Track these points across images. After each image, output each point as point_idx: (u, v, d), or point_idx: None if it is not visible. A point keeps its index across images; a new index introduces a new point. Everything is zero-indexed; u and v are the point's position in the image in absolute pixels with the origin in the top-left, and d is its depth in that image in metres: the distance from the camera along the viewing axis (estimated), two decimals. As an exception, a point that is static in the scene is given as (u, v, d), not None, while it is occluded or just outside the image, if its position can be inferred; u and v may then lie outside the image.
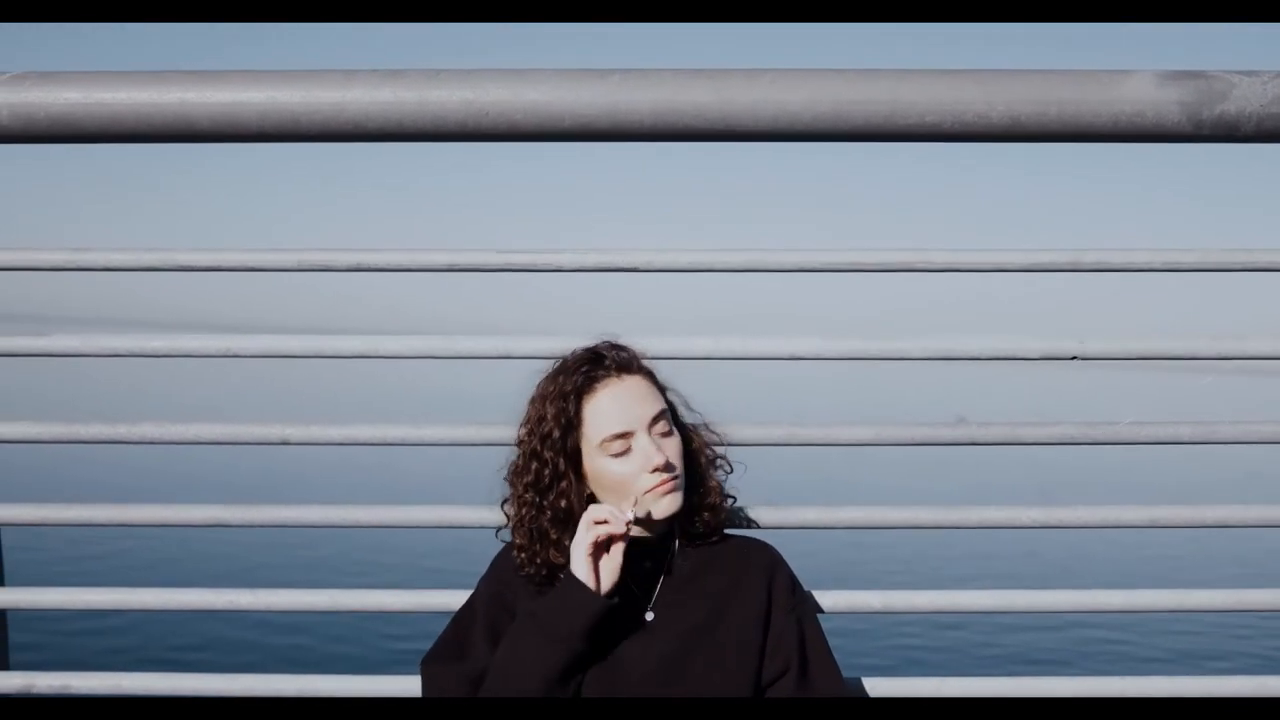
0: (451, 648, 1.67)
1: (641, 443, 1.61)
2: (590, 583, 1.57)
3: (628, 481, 1.61)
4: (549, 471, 1.62)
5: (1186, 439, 1.84)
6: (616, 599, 1.60)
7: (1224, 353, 1.81)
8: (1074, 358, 1.81)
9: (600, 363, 1.64)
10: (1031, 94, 1.04)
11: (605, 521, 1.57)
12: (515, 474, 1.69)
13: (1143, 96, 1.03)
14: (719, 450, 1.76)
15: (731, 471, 1.77)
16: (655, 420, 1.63)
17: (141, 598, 1.94)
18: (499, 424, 1.77)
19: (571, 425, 1.61)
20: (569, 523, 1.63)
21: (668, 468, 1.61)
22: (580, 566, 1.58)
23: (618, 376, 1.63)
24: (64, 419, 1.90)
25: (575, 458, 1.63)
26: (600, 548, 1.59)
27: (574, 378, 1.62)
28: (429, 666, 1.67)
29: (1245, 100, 1.02)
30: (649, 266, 1.82)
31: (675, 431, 1.67)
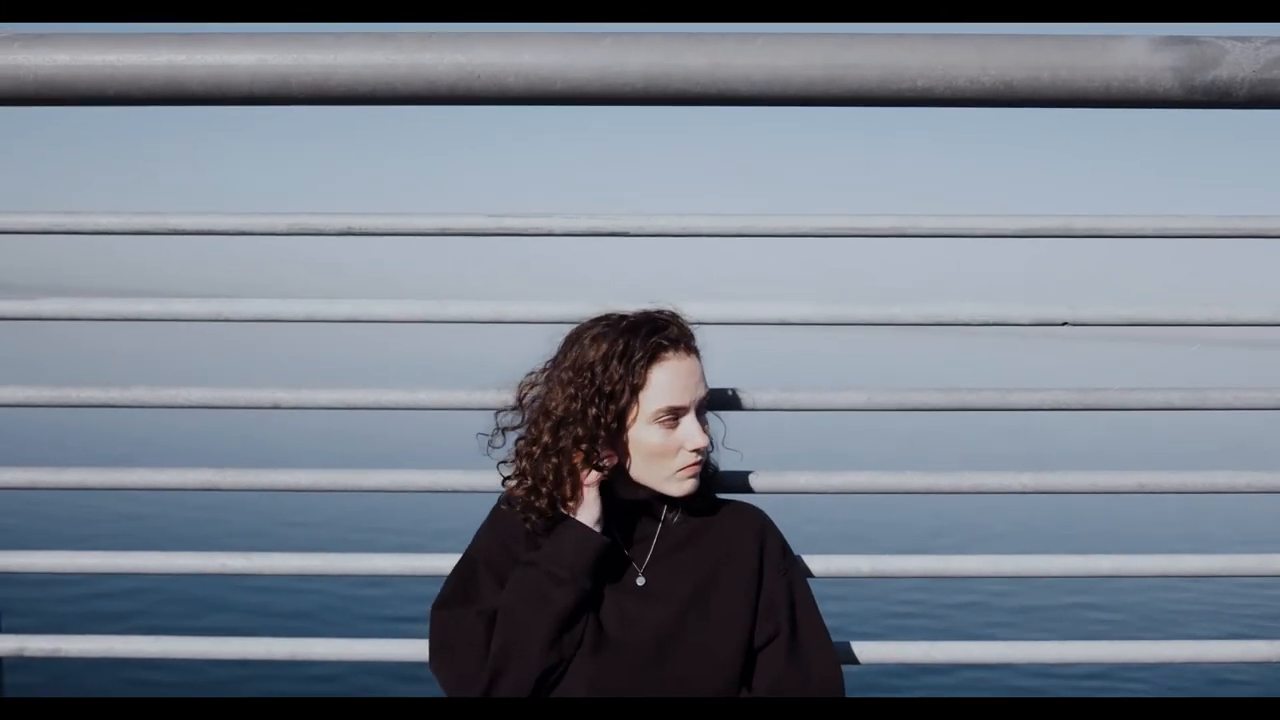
0: (459, 594, 1.69)
1: (688, 422, 1.64)
2: (588, 522, 1.63)
3: (667, 454, 1.64)
4: (603, 423, 1.61)
5: (1178, 405, 1.84)
6: (609, 539, 1.65)
7: (1215, 319, 1.81)
8: (1065, 323, 1.81)
9: (667, 331, 1.64)
10: (1025, 59, 1.04)
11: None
12: (550, 417, 1.64)
13: (1136, 62, 1.03)
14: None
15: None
16: (702, 404, 1.67)
17: (135, 561, 1.93)
18: (493, 388, 1.77)
19: (637, 388, 1.61)
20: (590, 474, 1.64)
21: (704, 452, 1.66)
22: (580, 508, 1.64)
23: (686, 352, 1.65)
24: (55, 383, 1.89)
25: (623, 418, 1.63)
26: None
27: (645, 342, 1.62)
28: (440, 611, 1.68)
29: (1238, 66, 1.02)
30: (640, 231, 1.82)
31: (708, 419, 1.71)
